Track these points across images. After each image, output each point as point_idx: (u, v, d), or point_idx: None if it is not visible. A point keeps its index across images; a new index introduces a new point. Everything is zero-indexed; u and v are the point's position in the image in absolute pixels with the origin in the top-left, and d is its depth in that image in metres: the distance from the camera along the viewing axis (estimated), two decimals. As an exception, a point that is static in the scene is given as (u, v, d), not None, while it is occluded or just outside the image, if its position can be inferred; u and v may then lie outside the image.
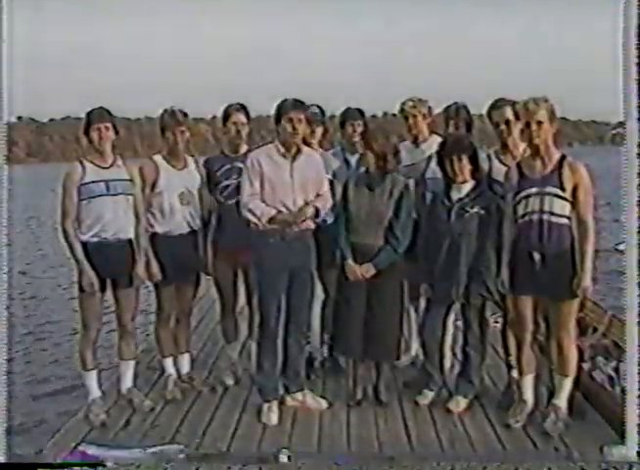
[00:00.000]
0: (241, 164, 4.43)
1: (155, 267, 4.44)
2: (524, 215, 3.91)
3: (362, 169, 4.45)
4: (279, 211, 4.09)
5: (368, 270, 4.22)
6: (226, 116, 4.66)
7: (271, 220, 4.08)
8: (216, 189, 4.62)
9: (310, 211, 4.13)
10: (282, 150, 4.13)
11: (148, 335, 6.06)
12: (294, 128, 4.05)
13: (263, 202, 4.10)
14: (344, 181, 4.41)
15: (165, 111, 4.48)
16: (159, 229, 4.48)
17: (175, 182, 4.46)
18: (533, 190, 3.86)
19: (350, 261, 4.24)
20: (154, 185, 4.43)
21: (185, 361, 4.86)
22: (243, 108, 4.67)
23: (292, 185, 4.12)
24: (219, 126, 4.82)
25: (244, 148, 4.67)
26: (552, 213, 3.83)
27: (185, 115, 4.50)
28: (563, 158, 3.87)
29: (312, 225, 4.25)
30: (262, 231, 4.11)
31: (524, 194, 3.90)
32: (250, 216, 4.11)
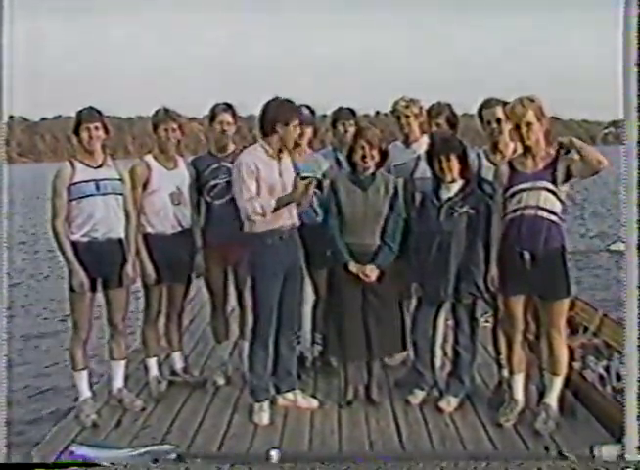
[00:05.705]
0: (229, 164, 4.42)
1: (148, 268, 4.44)
2: (515, 210, 3.89)
3: (348, 169, 4.38)
4: (278, 198, 4.01)
5: (372, 271, 4.21)
6: (213, 115, 4.64)
7: (276, 209, 3.99)
8: (204, 189, 4.61)
9: (313, 183, 4.04)
10: (270, 150, 4.11)
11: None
12: None
13: None
14: (332, 181, 4.37)
15: (159, 108, 4.49)
16: (151, 229, 4.48)
17: (167, 182, 4.47)
18: (526, 185, 3.84)
19: (353, 264, 4.21)
20: (146, 185, 4.43)
21: (178, 359, 4.88)
22: (229, 107, 4.65)
23: (282, 185, 4.10)
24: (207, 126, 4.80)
25: (231, 147, 4.66)
26: (546, 210, 3.82)
27: (178, 114, 4.51)
28: (556, 157, 3.86)
29: (314, 200, 4.35)
30: (260, 233, 4.06)
31: (516, 188, 3.87)
32: (255, 217, 3.99)
